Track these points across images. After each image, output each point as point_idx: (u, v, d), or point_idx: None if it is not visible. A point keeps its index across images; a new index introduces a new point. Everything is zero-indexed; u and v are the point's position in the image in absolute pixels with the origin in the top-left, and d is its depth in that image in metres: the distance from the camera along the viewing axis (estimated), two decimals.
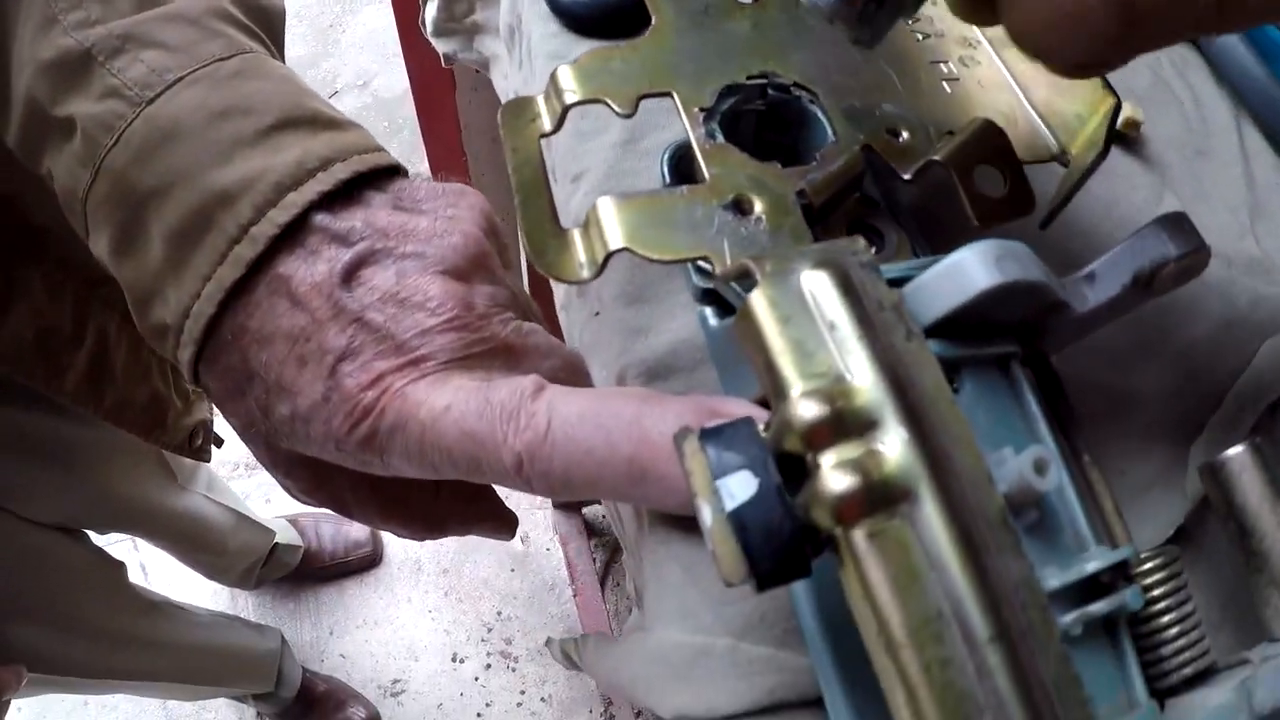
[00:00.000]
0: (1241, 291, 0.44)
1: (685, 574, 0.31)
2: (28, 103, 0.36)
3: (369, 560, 1.66)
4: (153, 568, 1.61)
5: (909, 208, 0.37)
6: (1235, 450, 0.32)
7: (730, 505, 0.22)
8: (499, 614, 1.64)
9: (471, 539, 1.54)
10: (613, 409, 0.29)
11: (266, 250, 0.32)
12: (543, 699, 1.57)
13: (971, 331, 0.27)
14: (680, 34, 0.34)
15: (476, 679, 1.59)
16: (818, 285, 0.23)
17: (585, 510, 1.66)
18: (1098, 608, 0.25)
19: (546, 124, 0.32)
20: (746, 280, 0.24)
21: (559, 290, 0.48)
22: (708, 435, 0.23)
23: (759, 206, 0.30)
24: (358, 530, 1.66)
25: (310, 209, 0.33)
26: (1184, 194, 0.49)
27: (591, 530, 1.67)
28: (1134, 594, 0.26)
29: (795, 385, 0.22)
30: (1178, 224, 0.29)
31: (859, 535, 0.21)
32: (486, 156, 1.13)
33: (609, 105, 0.31)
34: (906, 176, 0.34)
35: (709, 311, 0.34)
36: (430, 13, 0.67)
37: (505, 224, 0.35)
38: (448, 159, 1.20)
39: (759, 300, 0.23)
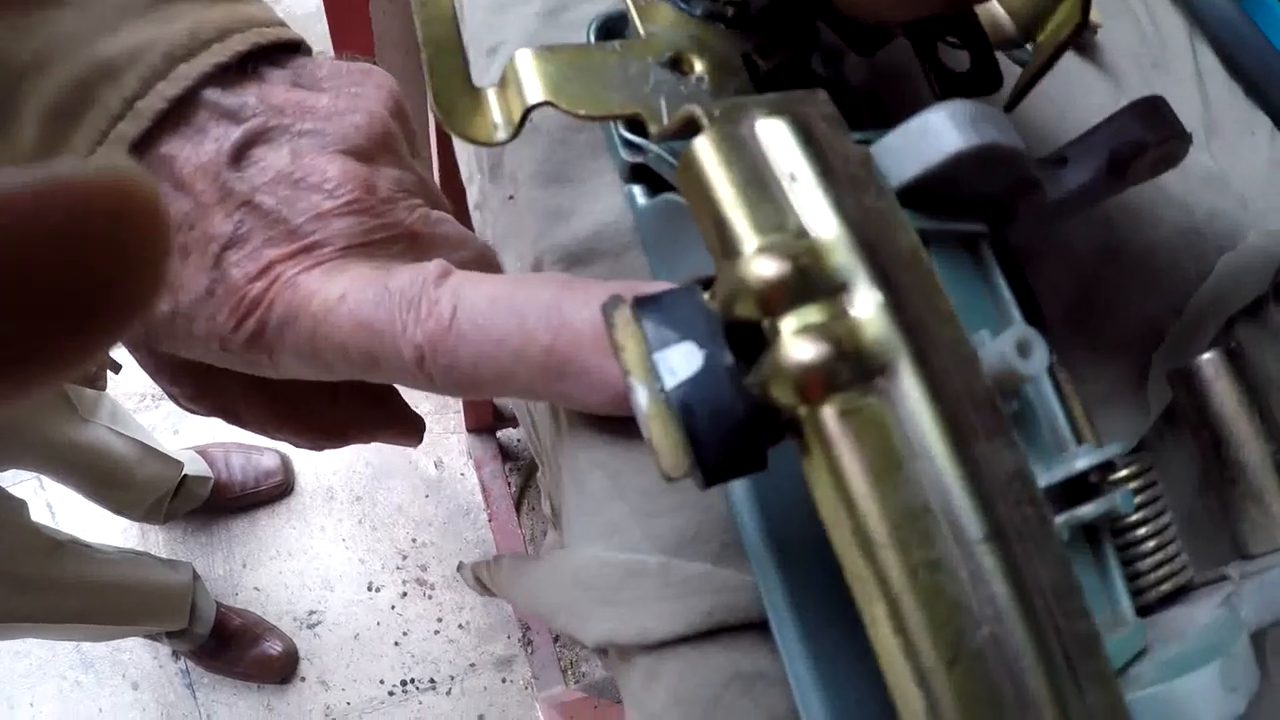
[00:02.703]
0: (1198, 203, 0.43)
1: (610, 484, 0.28)
2: None
3: (280, 490, 1.62)
4: (59, 506, 1.56)
5: (858, 89, 0.34)
6: (1208, 356, 0.30)
7: (671, 383, 0.18)
8: (414, 541, 1.61)
9: (384, 467, 1.52)
10: (528, 294, 0.26)
11: (151, 128, 0.28)
12: (460, 625, 1.56)
13: (938, 204, 0.24)
14: None
15: (393, 607, 1.57)
16: (774, 134, 0.20)
17: (500, 433, 1.63)
18: (1086, 510, 0.22)
19: None
20: (690, 133, 0.20)
21: (473, 189, 0.44)
22: (643, 305, 0.19)
23: (699, 66, 0.26)
24: (268, 459, 1.61)
25: (201, 83, 0.29)
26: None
27: (507, 454, 1.65)
28: (1124, 497, 0.23)
29: (750, 240, 0.19)
30: (1155, 108, 0.27)
31: (829, 414, 0.17)
32: (400, 71, 1.08)
33: None
34: (866, 52, 0.30)
35: (637, 190, 0.31)
36: None
37: (416, 114, 0.31)
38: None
39: (704, 147, 0.19)
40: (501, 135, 0.25)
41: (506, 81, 0.25)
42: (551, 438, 0.32)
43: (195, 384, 0.35)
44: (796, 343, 0.17)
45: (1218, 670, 0.20)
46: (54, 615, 1.19)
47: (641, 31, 0.27)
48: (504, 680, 1.53)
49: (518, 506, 1.61)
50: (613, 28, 0.33)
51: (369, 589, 1.58)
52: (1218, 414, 0.29)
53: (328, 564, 1.60)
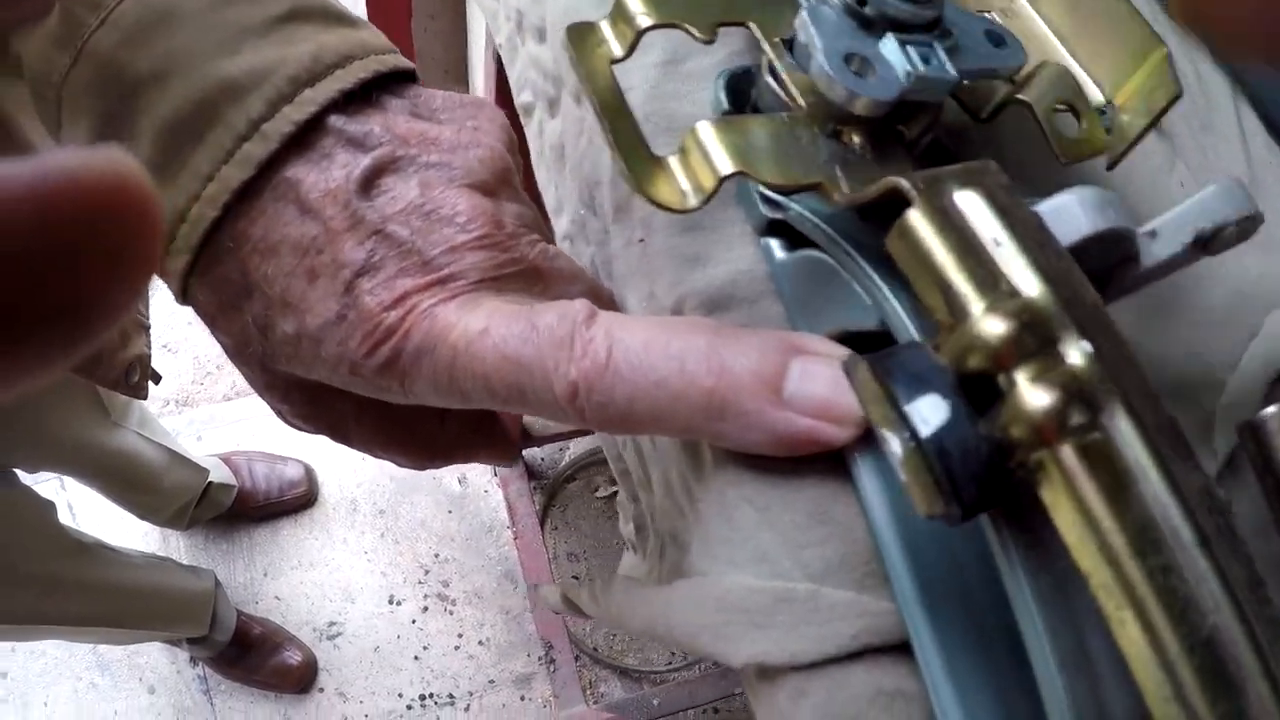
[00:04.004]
0: (1251, 265, 0.45)
1: (759, 516, 0.30)
2: None
3: (304, 500, 1.63)
4: (80, 508, 1.56)
5: (978, 149, 0.37)
6: (1273, 409, 0.32)
7: (926, 431, 0.21)
8: (436, 556, 1.62)
9: (408, 481, 1.53)
10: (684, 340, 0.28)
11: (278, 150, 0.29)
12: (480, 642, 1.57)
13: None
14: None
15: (413, 622, 1.58)
16: (972, 204, 0.23)
17: (525, 451, 1.64)
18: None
19: (616, 49, 0.30)
20: (886, 202, 0.23)
21: (562, 220, 0.47)
22: (882, 363, 0.22)
23: (856, 137, 0.29)
24: (293, 470, 1.62)
25: (326, 109, 0.30)
26: (1192, 164, 0.50)
27: (532, 472, 1.66)
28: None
29: (976, 303, 0.22)
30: (1237, 189, 0.29)
31: (1067, 451, 0.20)
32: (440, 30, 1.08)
33: (689, 31, 0.29)
34: (983, 116, 0.33)
35: (775, 243, 0.33)
36: None
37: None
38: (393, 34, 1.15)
39: (918, 218, 0.22)
40: (693, 202, 0.27)
41: (688, 150, 0.28)
42: (676, 471, 0.34)
43: (307, 403, 0.35)
44: (1034, 391, 0.21)
45: None
46: (79, 619, 1.19)
47: (801, 102, 0.29)
48: (523, 698, 1.53)
49: (541, 525, 1.62)
50: (740, 84, 0.35)
51: (390, 602, 1.59)
52: None
53: (349, 576, 1.61)
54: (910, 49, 0.28)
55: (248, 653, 1.50)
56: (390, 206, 0.30)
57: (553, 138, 0.49)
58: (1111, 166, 0.36)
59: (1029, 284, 0.22)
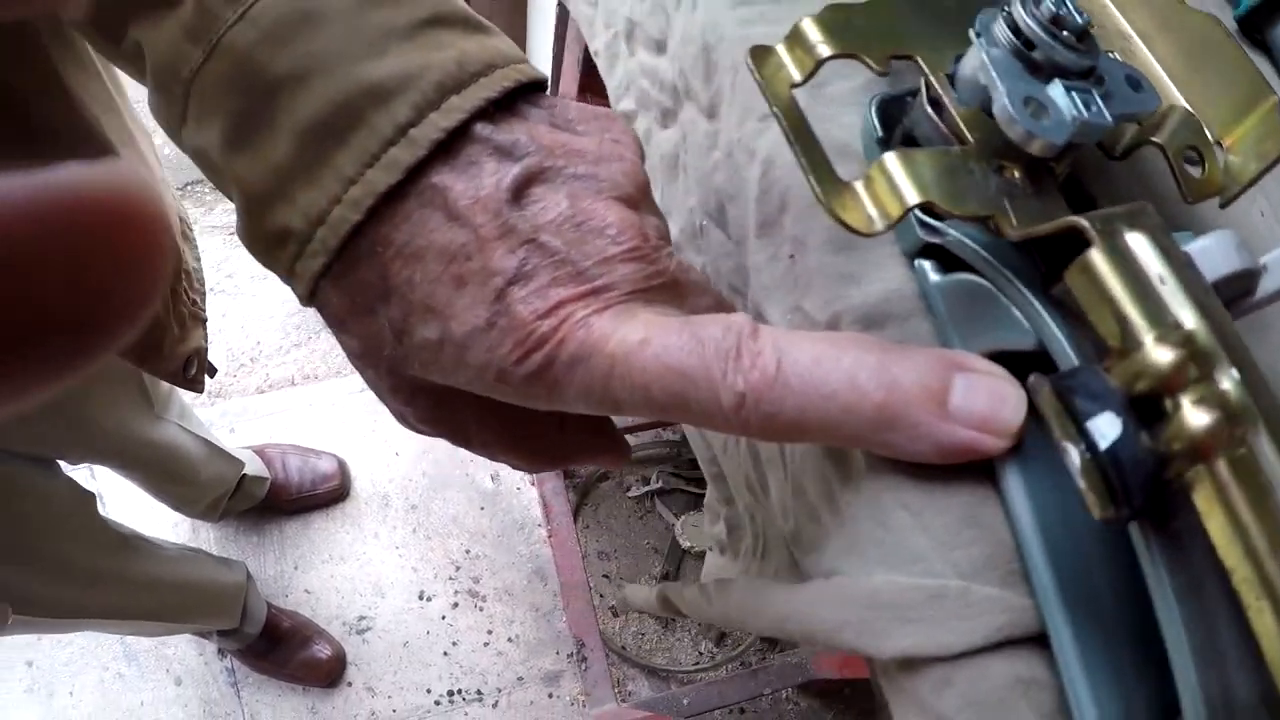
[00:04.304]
0: None
1: (913, 520, 0.32)
2: None
3: (336, 494, 1.65)
4: (110, 498, 1.57)
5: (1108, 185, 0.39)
6: None
7: (1103, 444, 0.24)
8: (467, 552, 1.64)
9: (440, 477, 1.53)
10: (854, 356, 0.29)
11: (425, 157, 0.29)
12: (509, 639, 1.59)
13: None
14: None
15: (443, 617, 1.60)
16: (1140, 245, 0.25)
17: None
18: None
19: (795, 74, 0.32)
20: (1061, 237, 0.25)
21: (672, 230, 0.49)
22: (1063, 383, 0.24)
23: (1017, 172, 0.31)
24: (326, 463, 1.64)
25: (473, 117, 0.30)
26: (1273, 196, 0.52)
27: (565, 471, 1.68)
28: None
29: (1148, 333, 0.24)
30: None
31: (1221, 465, 0.23)
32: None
33: (866, 62, 0.32)
34: (1116, 155, 0.35)
35: (928, 265, 0.35)
36: None
37: None
38: None
39: (1098, 257, 0.25)
40: (879, 226, 0.29)
41: (873, 179, 0.30)
42: (826, 478, 0.36)
43: (432, 407, 0.35)
44: (1195, 412, 0.23)
45: None
46: (117, 612, 1.19)
47: (969, 137, 0.31)
48: (551, 695, 1.55)
49: (573, 523, 1.64)
50: (891, 109, 0.37)
51: (420, 598, 1.61)
52: None
53: (380, 570, 1.62)
54: (1074, 94, 0.31)
55: (277, 645, 1.51)
56: (542, 216, 0.30)
57: (665, 147, 0.51)
58: (1225, 205, 0.38)
59: (1189, 318, 0.24)
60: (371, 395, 0.36)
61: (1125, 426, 0.24)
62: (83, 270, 0.11)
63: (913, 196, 0.28)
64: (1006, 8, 0.32)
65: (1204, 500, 0.23)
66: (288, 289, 0.33)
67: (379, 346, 0.32)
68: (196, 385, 0.86)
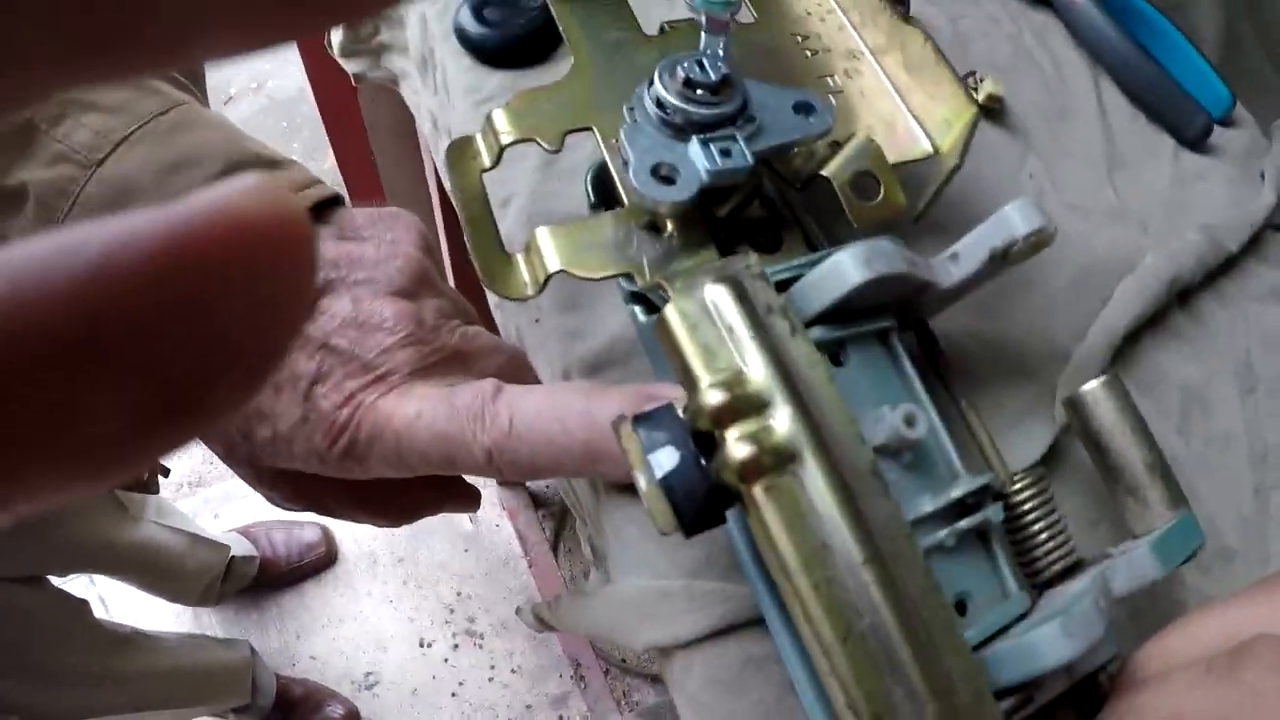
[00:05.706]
0: (1100, 241, 0.50)
1: (641, 531, 0.37)
2: None
3: (325, 560, 1.68)
4: (112, 599, 1.60)
5: (803, 207, 0.43)
6: (1089, 385, 0.37)
7: (660, 473, 0.28)
8: (458, 594, 1.67)
9: (422, 527, 1.55)
10: (564, 403, 0.35)
11: None
12: (512, 670, 1.61)
13: (855, 314, 0.33)
14: (598, 71, 0.39)
15: (446, 660, 1.63)
16: (718, 296, 0.29)
17: (529, 483, 1.70)
18: (965, 523, 0.32)
19: (486, 160, 0.37)
20: (663, 292, 0.30)
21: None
22: (639, 420, 0.29)
23: (670, 225, 0.36)
24: (309, 532, 1.67)
25: None
26: (1047, 155, 0.54)
27: (538, 501, 1.72)
28: (995, 510, 0.33)
29: (703, 379, 0.28)
30: (1026, 209, 0.34)
31: (758, 490, 0.27)
32: (393, 152, 1.14)
33: (539, 143, 0.36)
34: (798, 187, 0.39)
35: (638, 310, 0.40)
36: (336, 36, 0.70)
37: (429, 230, 0.39)
38: (355, 156, 1.22)
39: (671, 313, 0.29)
40: (530, 292, 0.34)
41: (530, 249, 0.34)
42: (591, 502, 0.41)
43: (291, 488, 0.42)
44: (736, 446, 0.27)
45: (1059, 624, 0.28)
46: (126, 706, 1.22)
47: (625, 200, 0.36)
48: (560, 717, 1.58)
49: (554, 550, 1.68)
50: (602, 174, 0.42)
51: (421, 645, 1.64)
52: (1098, 431, 0.37)
53: (378, 626, 1.65)
54: (712, 146, 0.35)
55: (292, 713, 1.53)
56: (330, 323, 0.36)
57: None
58: (917, 220, 0.42)
59: (754, 362, 0.28)
60: None
61: (683, 459, 0.28)
62: (264, 296, 0.10)
63: (553, 264, 0.33)
64: (651, 79, 0.36)
65: (751, 520, 0.27)
66: None
67: (235, 448, 0.38)
68: (151, 488, 0.91)
